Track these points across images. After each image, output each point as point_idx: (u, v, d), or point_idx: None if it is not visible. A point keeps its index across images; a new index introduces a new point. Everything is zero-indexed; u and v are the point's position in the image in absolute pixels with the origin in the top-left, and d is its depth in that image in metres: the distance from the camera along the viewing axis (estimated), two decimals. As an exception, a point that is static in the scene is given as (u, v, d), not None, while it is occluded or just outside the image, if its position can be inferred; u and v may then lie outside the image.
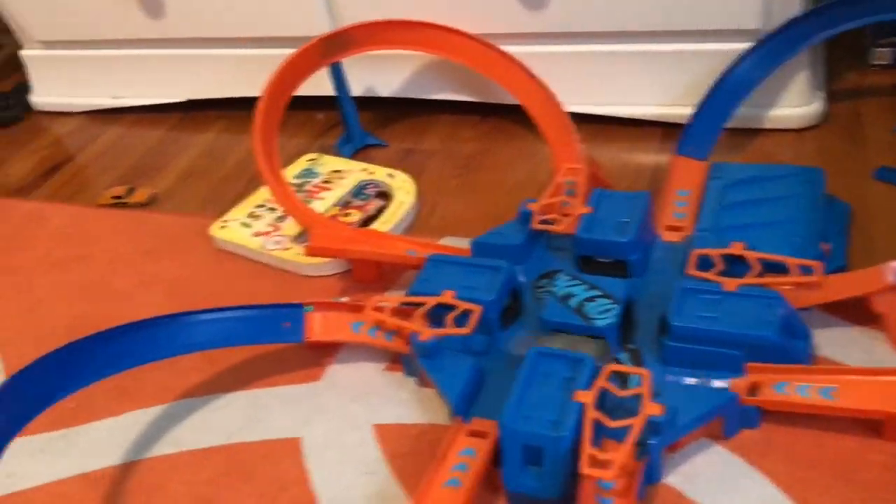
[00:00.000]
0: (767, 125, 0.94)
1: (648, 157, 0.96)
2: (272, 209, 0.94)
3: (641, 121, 0.99)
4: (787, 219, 0.75)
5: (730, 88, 0.88)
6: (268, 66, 0.91)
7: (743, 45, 0.88)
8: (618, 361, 0.67)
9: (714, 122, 0.87)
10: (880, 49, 0.98)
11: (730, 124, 0.94)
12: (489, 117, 1.08)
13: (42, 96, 1.32)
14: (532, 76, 0.93)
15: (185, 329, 0.67)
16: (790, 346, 0.64)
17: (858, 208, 0.82)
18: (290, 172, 1.00)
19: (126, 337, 0.65)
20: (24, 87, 1.34)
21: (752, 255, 0.69)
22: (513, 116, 1.05)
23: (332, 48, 0.96)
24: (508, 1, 0.95)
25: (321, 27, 1.04)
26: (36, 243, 1.00)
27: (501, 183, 0.96)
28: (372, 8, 0.99)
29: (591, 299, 0.70)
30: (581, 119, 1.00)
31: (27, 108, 1.32)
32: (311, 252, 0.80)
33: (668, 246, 0.77)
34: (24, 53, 1.28)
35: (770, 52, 0.87)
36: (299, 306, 0.74)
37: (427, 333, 0.68)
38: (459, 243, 0.83)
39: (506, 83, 0.95)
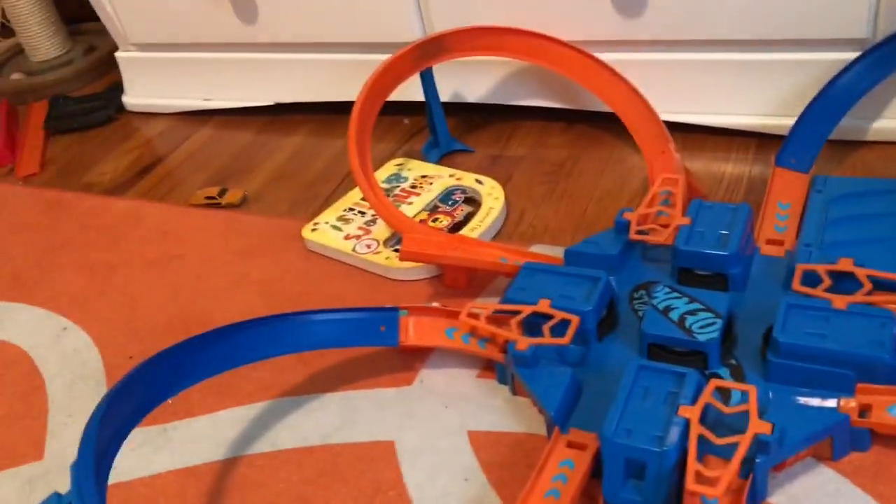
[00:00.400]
0: (870, 137, 0.91)
1: (743, 168, 0.94)
2: (362, 212, 0.95)
3: (734, 131, 0.97)
4: (891, 236, 0.72)
5: (834, 99, 0.85)
6: (355, 71, 0.93)
7: (848, 55, 0.85)
8: (719, 377, 0.65)
9: (817, 134, 0.85)
10: None
11: (833, 136, 0.92)
12: (576, 124, 1.07)
13: (135, 97, 1.36)
14: (628, 84, 0.92)
15: (289, 330, 0.68)
16: (904, 368, 0.61)
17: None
18: (379, 177, 1.01)
19: (234, 337, 0.66)
20: (117, 88, 1.38)
21: (861, 272, 0.67)
22: (600, 123, 1.04)
23: (425, 54, 0.97)
24: (603, 7, 0.94)
25: (412, 34, 1.05)
26: (131, 242, 1.03)
27: (590, 191, 0.96)
28: (463, 14, 1.00)
29: (692, 312, 0.68)
30: (673, 128, 0.99)
31: (120, 109, 1.37)
32: (405, 257, 0.80)
33: (769, 260, 0.75)
34: (120, 55, 1.33)
35: (878, 62, 0.84)
36: (395, 310, 0.74)
37: (524, 342, 0.68)
38: (550, 251, 0.83)
39: (600, 91, 0.94)
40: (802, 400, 0.62)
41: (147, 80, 1.33)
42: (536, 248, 0.87)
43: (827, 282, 0.68)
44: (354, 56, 1.11)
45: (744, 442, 0.56)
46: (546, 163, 1.02)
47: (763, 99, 0.94)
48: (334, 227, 0.94)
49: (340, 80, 1.14)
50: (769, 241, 0.78)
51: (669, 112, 0.97)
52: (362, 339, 0.72)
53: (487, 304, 0.73)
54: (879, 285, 0.67)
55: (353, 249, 0.90)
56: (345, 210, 0.96)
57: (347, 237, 0.92)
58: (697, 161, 0.96)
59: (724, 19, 0.90)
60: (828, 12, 0.86)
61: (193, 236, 1.01)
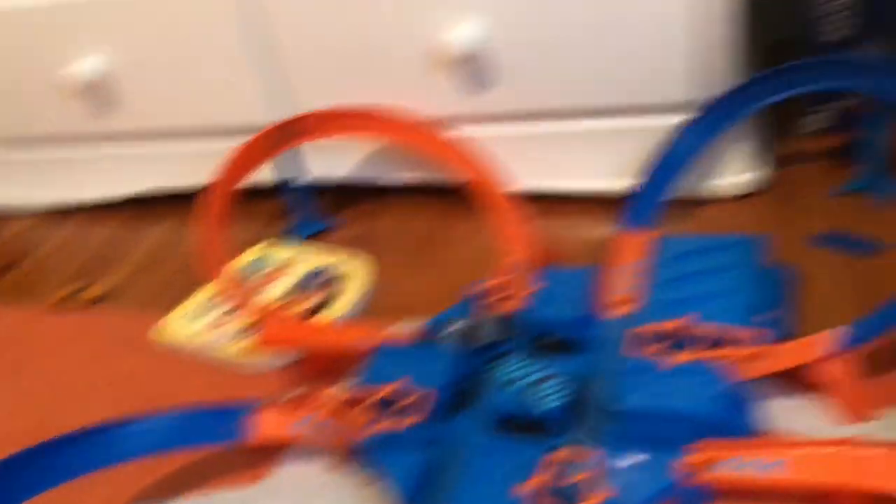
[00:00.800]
0: (710, 195, 0.96)
1: (599, 230, 0.96)
2: (220, 304, 0.93)
3: (592, 196, 1.00)
4: (730, 289, 0.75)
5: (669, 162, 0.89)
6: (215, 158, 0.92)
7: (678, 118, 0.90)
8: (568, 445, 0.66)
9: (656, 196, 0.89)
10: (814, 115, 1.01)
11: (675, 195, 0.96)
12: (445, 197, 1.09)
13: (-9, 197, 1.31)
14: (475, 157, 0.94)
15: (119, 438, 0.66)
16: (738, 421, 0.63)
17: (800, 274, 0.83)
18: (241, 263, 1.00)
19: (57, 451, 0.63)
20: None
21: (696, 329, 0.69)
22: (470, 196, 1.06)
23: (283, 137, 0.97)
24: (453, 85, 0.97)
25: (268, 116, 1.05)
26: (-17, 348, 0.98)
27: (458, 261, 0.97)
28: (322, 95, 1.01)
29: (541, 381, 0.69)
30: (532, 196, 1.02)
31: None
32: (259, 347, 0.79)
33: (616, 322, 0.77)
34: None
35: (708, 125, 0.89)
36: (243, 404, 0.72)
37: (371, 426, 0.67)
38: (415, 327, 0.83)
39: (451, 164, 0.96)
40: (644, 462, 0.63)
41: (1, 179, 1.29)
42: (401, 325, 0.87)
43: (662, 341, 0.70)
44: (213, 142, 1.10)
45: (585, 512, 0.57)
46: (413, 237, 1.03)
47: (610, 164, 0.97)
48: (192, 320, 0.91)
49: (200, 168, 1.13)
50: (614, 304, 0.80)
51: (525, 181, 1.00)
52: (207, 439, 0.70)
53: (340, 391, 0.72)
54: (715, 340, 0.69)
55: (210, 343, 0.87)
56: (203, 302, 0.94)
57: (205, 330, 0.89)
58: (557, 227, 0.99)
59: (562, 91, 0.94)
60: (657, 80, 0.91)
61: (46, 340, 0.97)
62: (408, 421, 0.67)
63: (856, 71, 0.83)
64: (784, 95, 0.87)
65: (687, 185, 0.94)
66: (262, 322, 0.80)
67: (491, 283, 0.80)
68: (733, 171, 0.95)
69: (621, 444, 0.64)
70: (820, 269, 0.83)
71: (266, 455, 0.74)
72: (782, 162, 1.00)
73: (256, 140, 0.94)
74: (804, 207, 0.92)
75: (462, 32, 0.92)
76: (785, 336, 0.73)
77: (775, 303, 0.77)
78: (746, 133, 0.94)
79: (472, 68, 0.95)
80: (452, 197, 1.07)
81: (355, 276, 0.94)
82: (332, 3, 0.96)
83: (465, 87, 0.97)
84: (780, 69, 0.86)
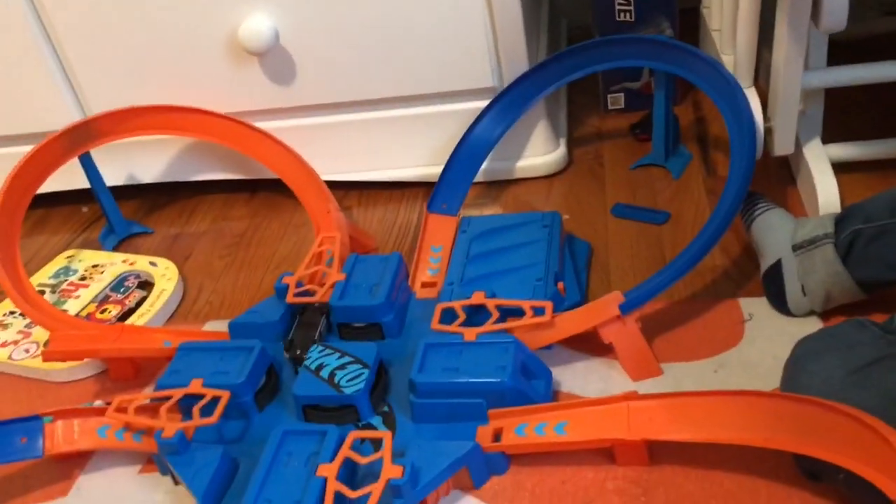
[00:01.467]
0: (518, 175, 0.99)
1: (412, 216, 0.98)
2: (22, 315, 0.88)
3: (405, 183, 1.01)
4: (525, 264, 0.78)
5: (472, 146, 0.91)
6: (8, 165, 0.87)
7: (484, 103, 0.93)
8: (371, 427, 0.67)
9: (462, 179, 0.91)
10: (613, 95, 1.06)
11: (485, 177, 0.99)
12: (260, 192, 1.07)
13: None
14: (285, 149, 0.93)
15: None
16: (529, 388, 0.66)
17: (600, 244, 0.87)
18: (46, 272, 0.95)
19: None
20: None
21: (490, 303, 0.72)
22: (283, 190, 1.04)
23: (76, 141, 0.93)
24: (258, 78, 0.96)
25: (66, 119, 1.00)
26: None
27: (269, 259, 0.95)
28: (119, 96, 0.97)
29: (342, 367, 0.69)
30: (350, 186, 1.02)
31: None
32: (49, 357, 0.75)
33: (424, 303, 0.79)
34: None
35: (505, 107, 0.92)
36: (36, 418, 0.69)
37: (170, 428, 0.65)
38: (225, 326, 0.81)
39: (261, 158, 0.95)
40: (442, 435, 0.64)
41: None
42: (212, 325, 0.85)
43: (462, 316, 0.72)
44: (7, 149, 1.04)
45: (376, 490, 0.57)
46: (227, 235, 1.01)
47: (422, 151, 0.99)
48: (-11, 335, 0.86)
49: None
50: (424, 285, 0.81)
51: (341, 172, 1.00)
52: (5, 457, 0.66)
53: (140, 395, 0.70)
54: (508, 312, 0.72)
55: (10, 357, 0.83)
56: (3, 315, 0.89)
57: (4, 344, 0.84)
58: (375, 215, 0.99)
59: (369, 80, 0.95)
60: (458, 67, 0.93)
61: None
62: (203, 421, 0.66)
63: (641, 49, 0.88)
64: (574, 76, 0.91)
65: (490, 167, 0.97)
66: (55, 333, 0.76)
67: (299, 273, 0.79)
68: (538, 152, 0.98)
69: (422, 419, 0.66)
70: (615, 238, 0.87)
71: (73, 464, 0.71)
72: (583, 141, 1.04)
73: (46, 145, 0.89)
74: (604, 182, 0.97)
75: (257, 24, 0.90)
76: (578, 302, 0.77)
77: (571, 272, 0.80)
78: (549, 115, 0.97)
79: (275, 60, 0.94)
80: (269, 191, 1.06)
81: (164, 279, 0.91)
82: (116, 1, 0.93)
83: (271, 79, 0.96)
84: (570, 50, 0.90)
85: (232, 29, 0.92)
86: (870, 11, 1.12)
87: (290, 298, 0.77)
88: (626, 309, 0.69)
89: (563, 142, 1.01)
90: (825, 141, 0.86)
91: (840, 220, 0.69)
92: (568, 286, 0.77)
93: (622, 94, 1.06)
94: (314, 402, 0.68)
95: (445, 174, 0.90)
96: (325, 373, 0.69)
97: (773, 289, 0.73)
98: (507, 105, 0.92)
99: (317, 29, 0.92)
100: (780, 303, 0.72)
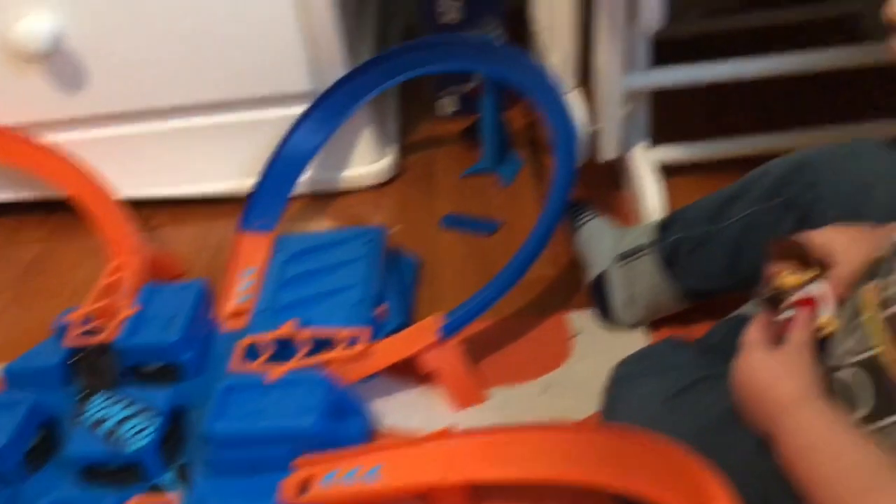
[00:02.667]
0: (345, 186, 0.92)
1: (228, 233, 0.89)
2: None
3: (215, 198, 0.92)
4: (344, 286, 0.71)
5: (289, 156, 0.84)
6: None
7: (302, 109, 0.85)
8: (159, 488, 0.58)
9: (278, 193, 0.83)
10: (444, 99, 1.01)
11: (310, 189, 0.91)
12: (57, 212, 0.95)
13: None
14: (71, 165, 0.83)
15: None
16: (341, 430, 0.60)
17: (429, 258, 0.82)
18: None
19: None
20: None
21: (301, 334, 0.65)
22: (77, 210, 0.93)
23: None
24: (40, 85, 0.84)
25: None
26: None
27: (64, 288, 0.84)
28: None
29: (127, 419, 0.60)
30: (160, 204, 0.92)
31: None
32: None
33: (230, 336, 0.70)
34: None
35: (324, 114, 0.85)
36: None
37: None
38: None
39: (46, 175, 0.84)
40: (243, 492, 0.57)
41: None
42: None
43: (269, 351, 0.64)
44: None
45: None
46: (17, 263, 0.89)
47: (237, 162, 0.90)
48: None
49: None
50: (233, 315, 0.73)
51: (144, 188, 0.90)
52: None
53: None
54: (322, 343, 0.65)
55: None
56: None
57: None
58: (184, 234, 0.90)
59: (173, 85, 0.85)
60: (270, 70, 0.85)
61: None
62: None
63: (462, 51, 0.84)
64: (398, 79, 0.85)
65: (314, 178, 0.90)
66: None
67: (85, 309, 0.69)
68: (365, 161, 0.92)
69: (220, 471, 0.58)
70: (445, 251, 0.82)
71: None
72: (414, 148, 0.99)
73: None
74: (435, 192, 0.92)
75: (35, 24, 0.79)
76: (403, 324, 0.71)
77: (395, 292, 0.74)
78: (375, 121, 0.91)
79: (60, 64, 0.83)
80: (66, 211, 0.94)
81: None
82: None
83: (56, 86, 0.84)
84: (390, 53, 0.84)
85: (5, 29, 0.80)
86: (695, 10, 1.12)
87: (69, 340, 0.67)
88: (446, 333, 0.64)
89: (392, 149, 0.95)
90: (656, 143, 0.84)
91: (663, 229, 0.66)
92: (392, 307, 0.71)
93: (453, 98, 1.01)
94: (91, 463, 0.58)
95: (259, 188, 0.83)
96: (107, 426, 0.60)
97: (600, 300, 0.69)
98: (327, 111, 0.85)
99: (107, 28, 0.82)
100: (606, 314, 0.69)
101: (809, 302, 0.48)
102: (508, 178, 0.91)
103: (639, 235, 0.67)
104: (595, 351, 0.68)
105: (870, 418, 0.41)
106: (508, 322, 0.73)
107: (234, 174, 0.91)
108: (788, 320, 0.46)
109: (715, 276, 0.63)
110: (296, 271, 0.74)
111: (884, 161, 0.56)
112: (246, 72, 0.85)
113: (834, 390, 0.43)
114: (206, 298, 0.71)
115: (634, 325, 0.69)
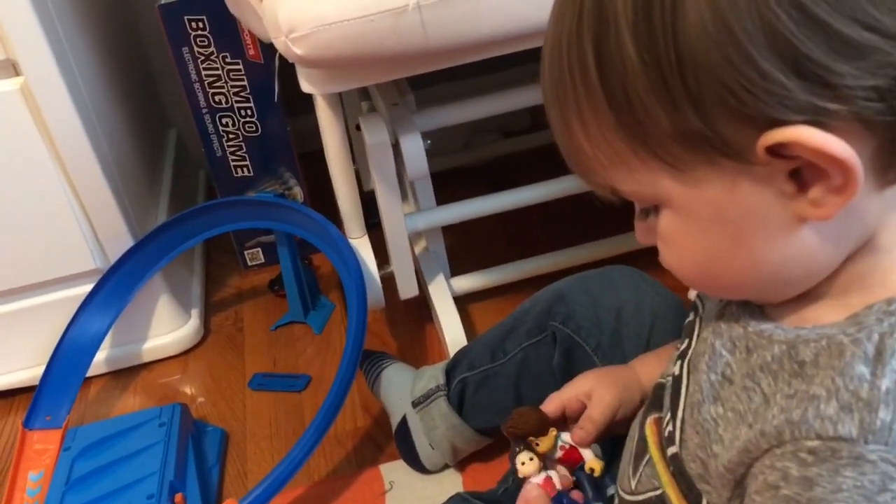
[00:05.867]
0: (148, 358, 0.88)
1: (11, 434, 0.82)
2: None
3: (10, 390, 0.86)
4: (137, 478, 0.67)
5: (76, 340, 0.80)
6: None
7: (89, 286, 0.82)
8: None
9: (68, 382, 0.78)
10: (250, 251, 1.00)
11: (108, 367, 0.87)
12: None
13: None
14: None
15: None
16: None
17: (237, 426, 0.78)
18: None
19: None
20: None
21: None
22: None
23: None
24: None
25: None
26: None
27: None
28: None
29: None
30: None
31: None
32: None
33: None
34: None
35: (111, 290, 0.82)
36: None
37: None
38: None
39: None
40: None
41: None
42: None
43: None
44: None
45: None
46: None
47: (25, 350, 0.85)
48: None
49: None
50: (15, 529, 0.67)
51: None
52: None
53: None
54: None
55: None
56: None
57: None
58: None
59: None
60: (52, 253, 0.81)
61: None
62: None
63: (247, 211, 0.83)
64: (188, 244, 0.84)
65: (112, 355, 0.86)
66: None
67: None
68: (165, 329, 0.88)
69: None
70: (255, 416, 0.79)
71: None
72: (222, 305, 0.97)
73: None
74: (245, 350, 0.89)
75: None
76: (206, 510, 0.67)
77: (200, 474, 0.70)
78: (173, 287, 0.89)
79: None
80: None
81: None
82: None
83: None
84: (173, 221, 0.83)
85: None
86: (489, 135, 1.17)
87: None
88: (242, 518, 0.60)
89: (195, 312, 0.92)
90: (456, 273, 0.86)
91: (450, 370, 0.67)
92: (190, 494, 0.67)
93: (259, 249, 1.00)
94: None
95: (45, 379, 0.77)
96: None
97: (405, 447, 0.69)
98: (114, 287, 0.82)
99: None
100: (413, 461, 0.68)
101: (572, 453, 0.49)
102: (319, 325, 0.90)
103: (429, 379, 0.67)
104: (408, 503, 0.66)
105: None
106: (322, 486, 0.70)
107: (20, 364, 0.85)
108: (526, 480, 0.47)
109: (504, 411, 0.63)
110: (86, 468, 0.69)
111: (630, 285, 0.59)
112: (26, 258, 0.81)
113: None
114: (-20, 517, 0.64)
115: (443, 469, 0.68)
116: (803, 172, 0.30)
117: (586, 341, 0.58)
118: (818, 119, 0.28)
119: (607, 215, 0.95)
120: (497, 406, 0.63)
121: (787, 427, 0.30)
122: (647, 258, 0.86)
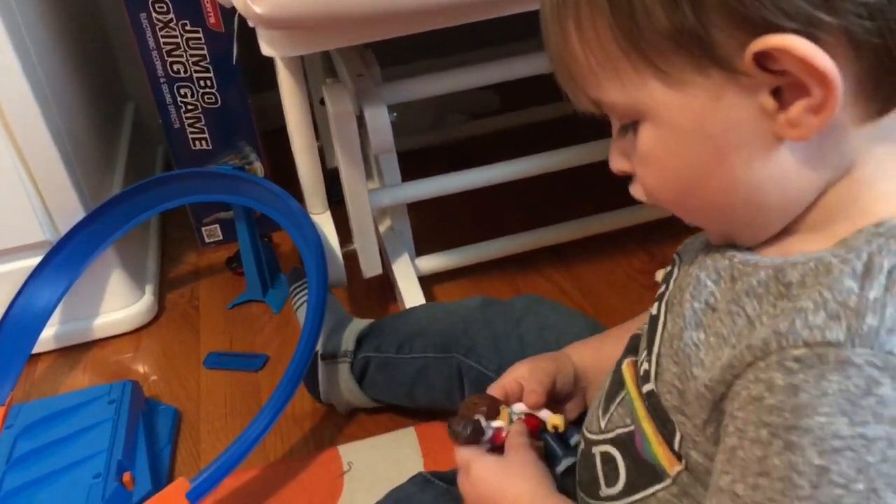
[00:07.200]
0: (99, 335, 0.85)
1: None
2: None
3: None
4: (83, 457, 0.64)
5: (21, 315, 0.76)
6: None
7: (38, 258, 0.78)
8: None
9: (12, 358, 0.75)
10: (208, 227, 0.97)
11: (57, 344, 0.84)
12: None
13: None
14: None
15: None
16: None
17: (191, 406, 0.76)
18: None
19: None
20: None
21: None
22: None
23: None
24: None
25: None
26: None
27: None
28: None
29: None
30: None
31: None
32: None
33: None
34: None
35: (61, 264, 0.78)
36: None
37: None
38: None
39: None
40: None
41: None
42: None
43: (-14, 553, 0.56)
44: None
45: None
46: None
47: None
48: None
49: None
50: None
51: None
52: None
53: None
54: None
55: None
56: None
57: None
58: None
59: None
60: (0, 224, 0.77)
61: None
62: None
63: (206, 183, 0.80)
64: (142, 217, 0.81)
65: (61, 331, 0.82)
66: None
67: None
68: (117, 305, 0.85)
69: None
70: (210, 396, 0.77)
71: None
72: (177, 283, 0.94)
73: None
74: (201, 328, 0.86)
75: None
76: (153, 492, 0.64)
77: (150, 454, 0.68)
78: (126, 262, 0.85)
79: None
80: None
81: None
82: None
83: None
84: (128, 192, 0.80)
85: None
86: (458, 116, 1.15)
87: None
88: (194, 498, 0.58)
89: (150, 288, 0.89)
90: (421, 253, 0.84)
91: (360, 341, 0.68)
92: (139, 474, 0.65)
93: (217, 226, 0.97)
94: None
95: (-15, 354, 0.74)
96: None
97: (310, 377, 0.70)
98: (64, 260, 0.78)
99: None
100: (315, 393, 0.71)
101: (530, 420, 0.48)
102: (278, 304, 0.87)
103: (340, 341, 0.68)
104: (367, 485, 0.64)
105: (622, 493, 0.41)
106: (276, 467, 0.68)
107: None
108: (498, 430, 0.46)
109: (397, 395, 0.68)
110: (29, 447, 0.66)
111: (530, 312, 0.63)
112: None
113: (587, 467, 0.43)
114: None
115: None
116: (785, 92, 0.30)
117: (487, 368, 0.61)
118: (809, 30, 0.28)
119: (573, 197, 0.96)
120: (393, 391, 0.68)
121: (773, 338, 0.30)
122: (610, 240, 0.87)
